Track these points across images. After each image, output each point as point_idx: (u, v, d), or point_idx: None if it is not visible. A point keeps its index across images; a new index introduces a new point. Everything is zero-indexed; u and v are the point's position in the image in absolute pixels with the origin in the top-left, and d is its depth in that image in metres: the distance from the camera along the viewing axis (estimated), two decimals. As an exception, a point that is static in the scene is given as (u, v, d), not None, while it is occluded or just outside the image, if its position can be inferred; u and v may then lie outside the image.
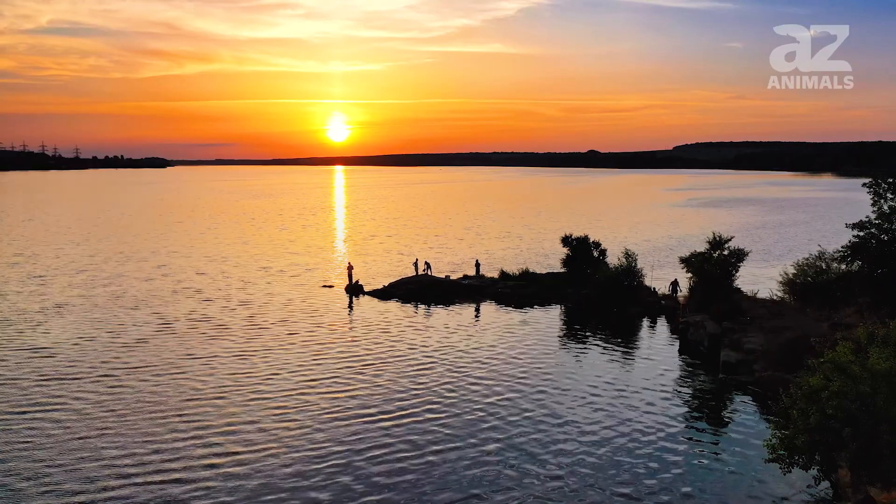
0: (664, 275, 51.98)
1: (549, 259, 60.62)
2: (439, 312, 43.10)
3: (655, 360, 33.15)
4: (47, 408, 25.42)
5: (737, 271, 38.72)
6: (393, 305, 44.87)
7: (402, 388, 28.70)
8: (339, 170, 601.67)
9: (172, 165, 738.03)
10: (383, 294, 47.83)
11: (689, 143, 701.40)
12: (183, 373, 29.91)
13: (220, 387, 28.12)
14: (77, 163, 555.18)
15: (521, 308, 44.39)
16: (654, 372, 31.20)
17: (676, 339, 37.15)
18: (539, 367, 31.89)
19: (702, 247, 44.09)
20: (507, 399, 27.51)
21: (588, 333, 38.59)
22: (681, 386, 29.51)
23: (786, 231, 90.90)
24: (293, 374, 30.28)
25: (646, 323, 41.17)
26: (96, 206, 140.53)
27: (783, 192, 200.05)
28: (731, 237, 40.00)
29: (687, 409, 26.58)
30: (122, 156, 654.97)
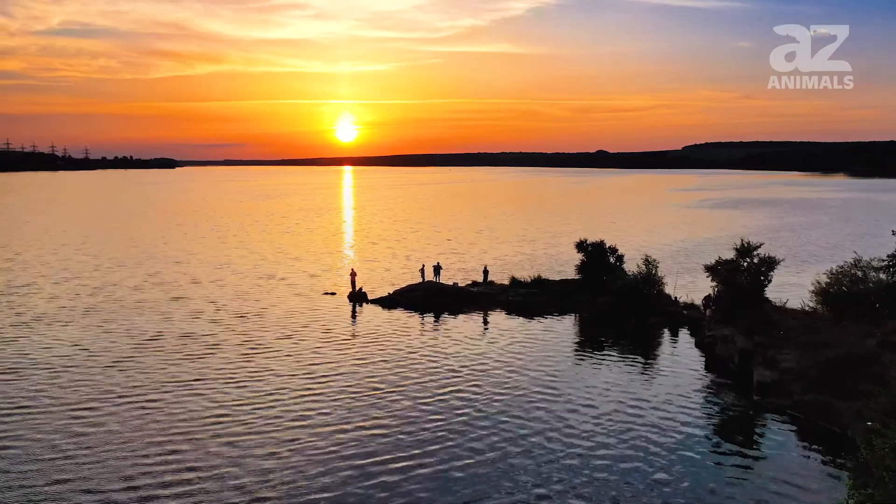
0: (685, 282, 49.27)
1: (562, 265, 58.11)
2: (447, 322, 40.60)
3: (680, 377, 30.52)
4: (10, 440, 22.98)
5: (769, 281, 36.02)
6: (398, 315, 42.41)
7: (410, 409, 26.31)
8: (347, 170, 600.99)
9: (181, 166, 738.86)
10: (388, 302, 45.39)
11: (697, 143, 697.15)
12: (168, 398, 27.46)
13: (208, 415, 25.58)
14: (86, 163, 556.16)
15: (534, 317, 41.82)
16: (680, 391, 28.56)
17: (702, 353, 34.49)
18: (553, 384, 29.39)
19: (723, 251, 41.58)
20: (521, 419, 25.29)
21: (606, 346, 36.01)
22: (711, 408, 26.89)
23: (807, 234, 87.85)
24: (288, 396, 27.81)
25: (667, 334, 38.55)
26: (98, 207, 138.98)
27: (797, 193, 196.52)
28: (761, 244, 37.32)
29: (721, 438, 23.90)
30: (131, 156, 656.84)
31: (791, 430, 24.35)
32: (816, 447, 22.71)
